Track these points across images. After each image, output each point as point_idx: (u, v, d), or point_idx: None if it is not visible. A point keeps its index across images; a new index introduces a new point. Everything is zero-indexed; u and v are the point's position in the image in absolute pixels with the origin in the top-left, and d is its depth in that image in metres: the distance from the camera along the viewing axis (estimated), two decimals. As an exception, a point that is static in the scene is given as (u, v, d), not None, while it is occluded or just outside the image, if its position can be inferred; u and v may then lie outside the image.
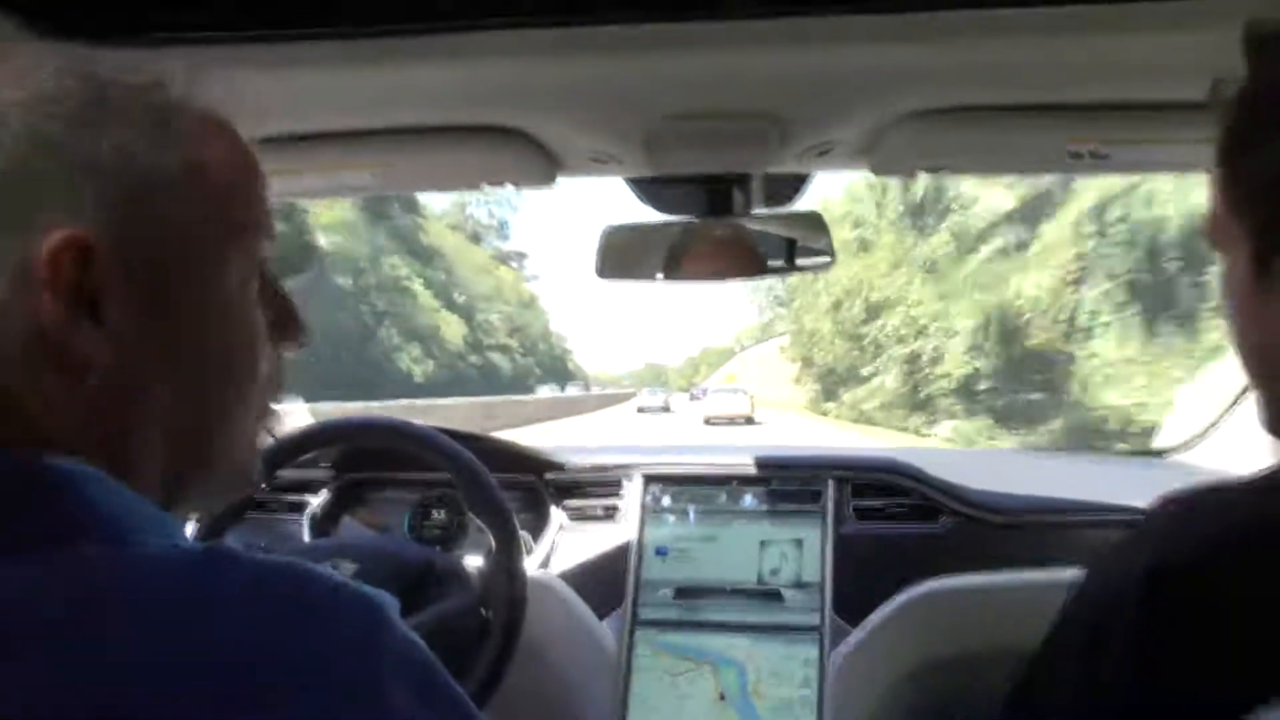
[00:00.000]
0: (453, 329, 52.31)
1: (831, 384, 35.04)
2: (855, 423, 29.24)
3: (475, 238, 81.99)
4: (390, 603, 0.51)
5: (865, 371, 29.81)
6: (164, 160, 0.53)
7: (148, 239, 0.52)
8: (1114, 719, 0.58)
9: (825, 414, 34.73)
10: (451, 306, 55.13)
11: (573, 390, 64.23)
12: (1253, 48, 0.62)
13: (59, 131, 0.50)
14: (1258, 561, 0.54)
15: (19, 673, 0.42)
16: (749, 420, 31.92)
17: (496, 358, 64.10)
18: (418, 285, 48.36)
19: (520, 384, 61.05)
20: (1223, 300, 0.67)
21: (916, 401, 25.39)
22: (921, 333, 25.59)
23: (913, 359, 25.74)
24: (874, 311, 29.11)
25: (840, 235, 28.66)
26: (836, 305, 32.74)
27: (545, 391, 51.35)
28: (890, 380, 27.20)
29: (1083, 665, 0.61)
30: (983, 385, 21.90)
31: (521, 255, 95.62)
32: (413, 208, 52.04)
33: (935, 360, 24.16)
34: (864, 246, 30.77)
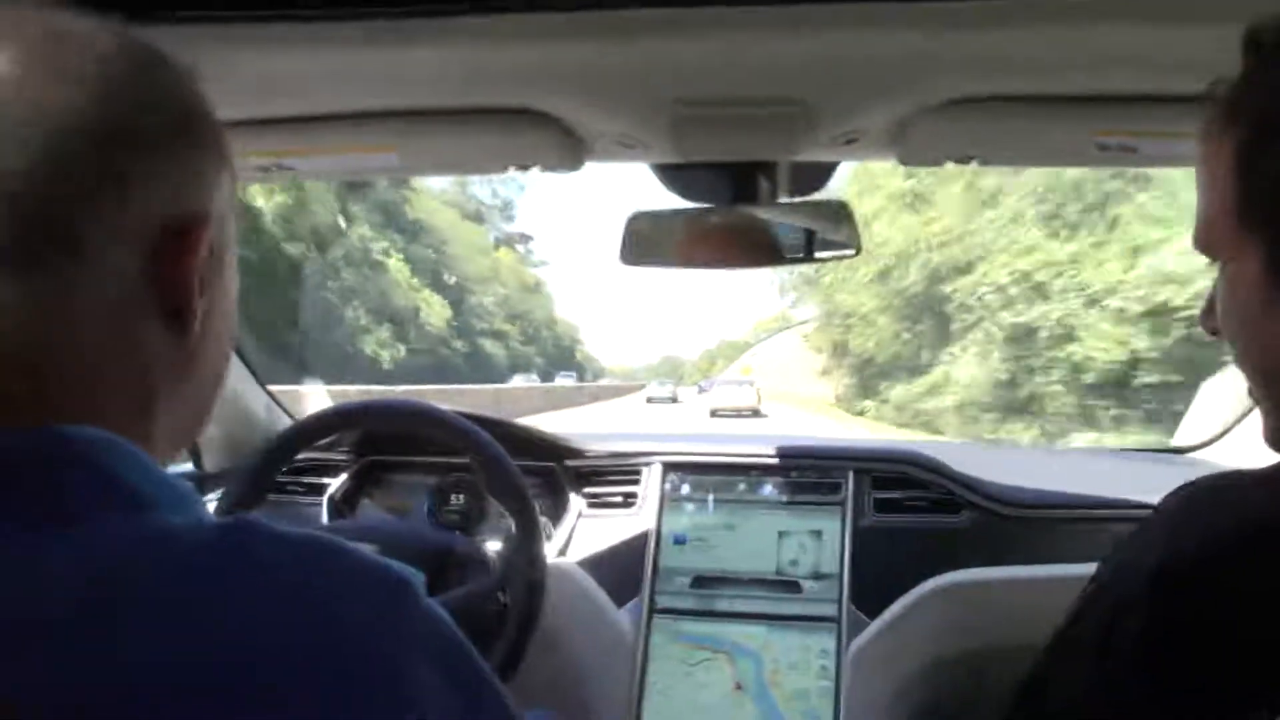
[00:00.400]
0: (436, 311, 48.73)
1: (871, 376, 28.34)
2: (904, 427, 21.54)
3: (477, 217, 77.76)
4: (417, 578, 0.51)
5: (924, 358, 23.20)
6: (222, 148, 0.57)
7: (221, 213, 0.56)
8: (1124, 717, 0.58)
9: (861, 413, 28.23)
10: (439, 287, 52.07)
11: (564, 380, 57.56)
12: (1253, 49, 0.61)
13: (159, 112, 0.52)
14: (1264, 560, 0.54)
15: (43, 651, 0.42)
16: (755, 413, 31.43)
17: (488, 344, 61.09)
18: (396, 261, 44.10)
19: (514, 373, 56.51)
20: (1224, 310, 0.65)
21: (1014, 400, 17.80)
22: (1038, 296, 17.29)
23: (1021, 336, 17.67)
24: (938, 277, 22.14)
25: (891, 186, 25.44)
26: (884, 274, 25.55)
27: (520, 381, 46.56)
28: (970, 368, 19.69)
29: (1094, 663, 0.61)
30: (1146, 377, 13.61)
31: (527, 238, 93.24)
32: (402, 180, 42.32)
33: (1061, 338, 16.05)
34: (921, 199, 24.69)
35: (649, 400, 45.77)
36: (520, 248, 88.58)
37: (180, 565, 0.45)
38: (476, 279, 63.50)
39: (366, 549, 1.30)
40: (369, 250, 41.83)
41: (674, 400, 45.41)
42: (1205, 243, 0.65)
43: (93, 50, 0.50)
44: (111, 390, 0.51)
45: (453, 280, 56.65)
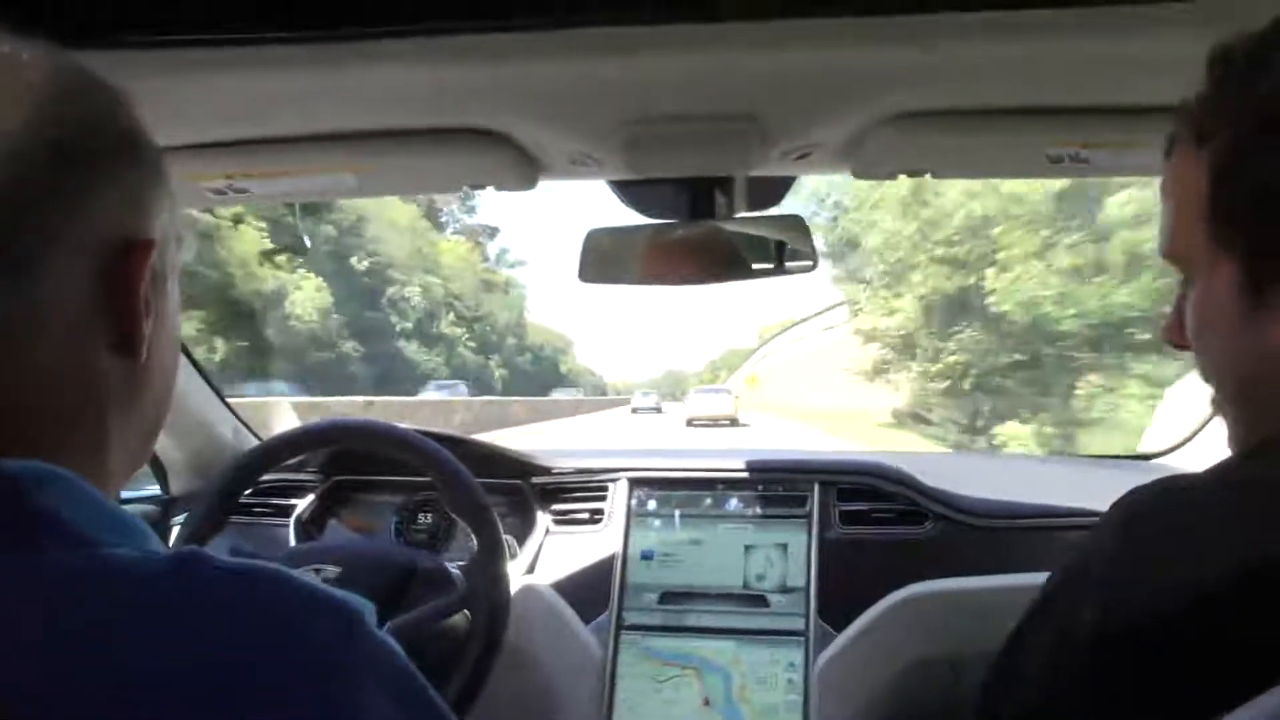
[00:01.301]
0: (309, 298, 38.63)
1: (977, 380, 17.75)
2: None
3: (432, 212, 66.64)
4: (367, 608, 0.51)
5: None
6: (161, 173, 0.57)
7: (165, 236, 0.56)
8: None
9: (960, 445, 17.35)
10: (335, 272, 42.75)
11: (562, 394, 54.14)
12: (1221, 63, 0.61)
13: (95, 136, 0.52)
14: (1216, 613, 0.53)
15: None
16: (733, 422, 30.30)
17: (410, 348, 49.74)
18: (249, 229, 30.54)
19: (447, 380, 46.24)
20: (1196, 323, 0.65)
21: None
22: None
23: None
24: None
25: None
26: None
27: (434, 393, 36.68)
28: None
29: (1041, 691, 0.61)
30: None
31: (492, 230, 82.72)
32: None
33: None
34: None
35: (634, 410, 47.13)
36: (485, 241, 79.22)
37: (125, 598, 0.45)
38: (400, 264, 52.39)
39: (330, 570, 1.29)
40: (192, 218, 34.04)
41: (658, 410, 46.52)
42: (1175, 255, 0.66)
43: (32, 73, 0.50)
44: (64, 420, 0.51)
45: (364, 263, 48.22)
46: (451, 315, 58.45)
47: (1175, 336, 0.69)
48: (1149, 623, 0.54)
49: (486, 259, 79.13)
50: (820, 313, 48.15)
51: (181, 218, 0.62)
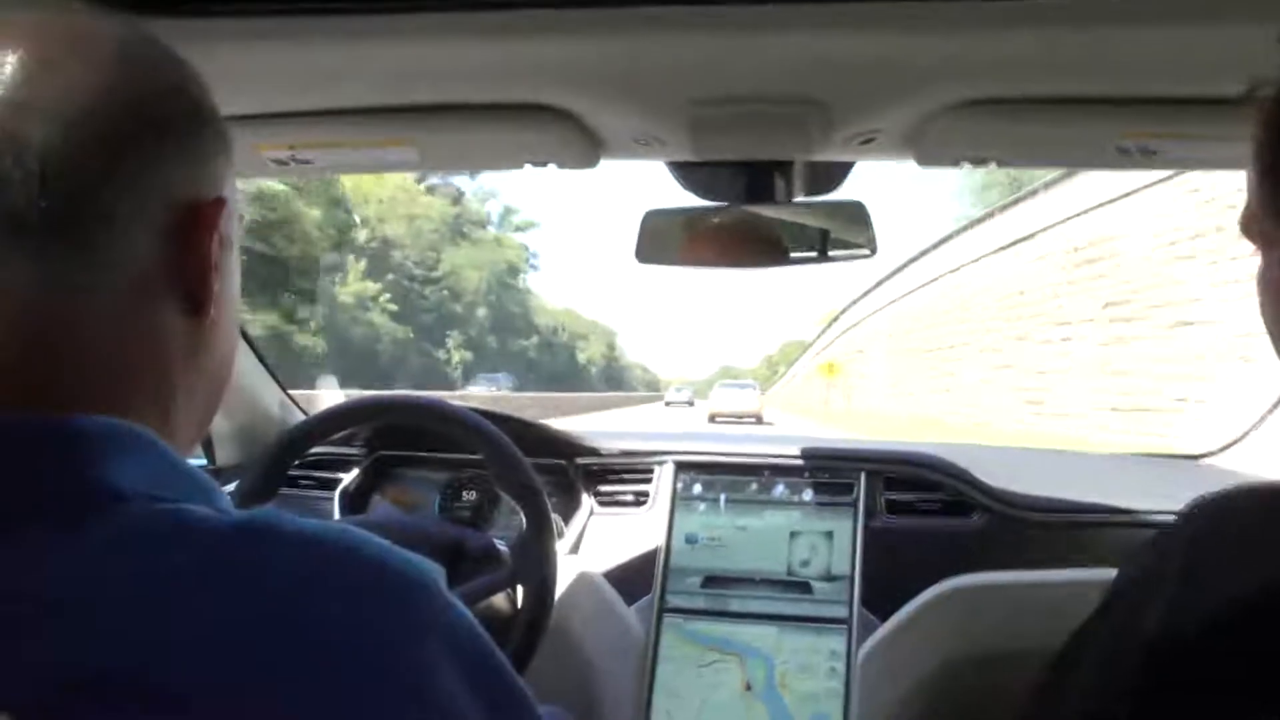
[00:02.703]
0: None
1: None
2: None
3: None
4: (438, 572, 0.51)
5: None
6: (228, 141, 0.58)
7: (229, 204, 0.57)
8: None
9: None
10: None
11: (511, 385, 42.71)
12: None
13: (170, 102, 0.53)
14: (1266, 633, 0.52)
15: (47, 640, 0.42)
16: (758, 419, 29.33)
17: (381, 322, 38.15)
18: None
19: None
20: (1261, 297, 0.65)
21: None
22: None
23: None
24: None
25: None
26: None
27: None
28: None
29: (1095, 695, 0.60)
30: None
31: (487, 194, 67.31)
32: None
33: None
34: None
35: (667, 404, 49.42)
36: (446, 197, 60.89)
37: (201, 556, 0.45)
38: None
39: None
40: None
41: (690, 404, 47.53)
42: (1246, 232, 0.66)
43: (112, 42, 0.52)
44: (133, 378, 0.51)
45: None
46: (364, 263, 40.03)
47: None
48: (1209, 634, 0.53)
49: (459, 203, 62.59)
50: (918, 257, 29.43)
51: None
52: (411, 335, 46.64)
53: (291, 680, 0.43)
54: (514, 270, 68.85)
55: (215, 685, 0.42)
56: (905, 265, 30.89)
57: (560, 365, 75.46)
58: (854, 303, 41.61)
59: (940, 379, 25.56)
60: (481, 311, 60.65)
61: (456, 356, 54.26)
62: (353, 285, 35.85)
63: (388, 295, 41.80)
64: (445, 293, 55.43)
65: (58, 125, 0.48)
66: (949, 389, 24.35)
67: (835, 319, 48.49)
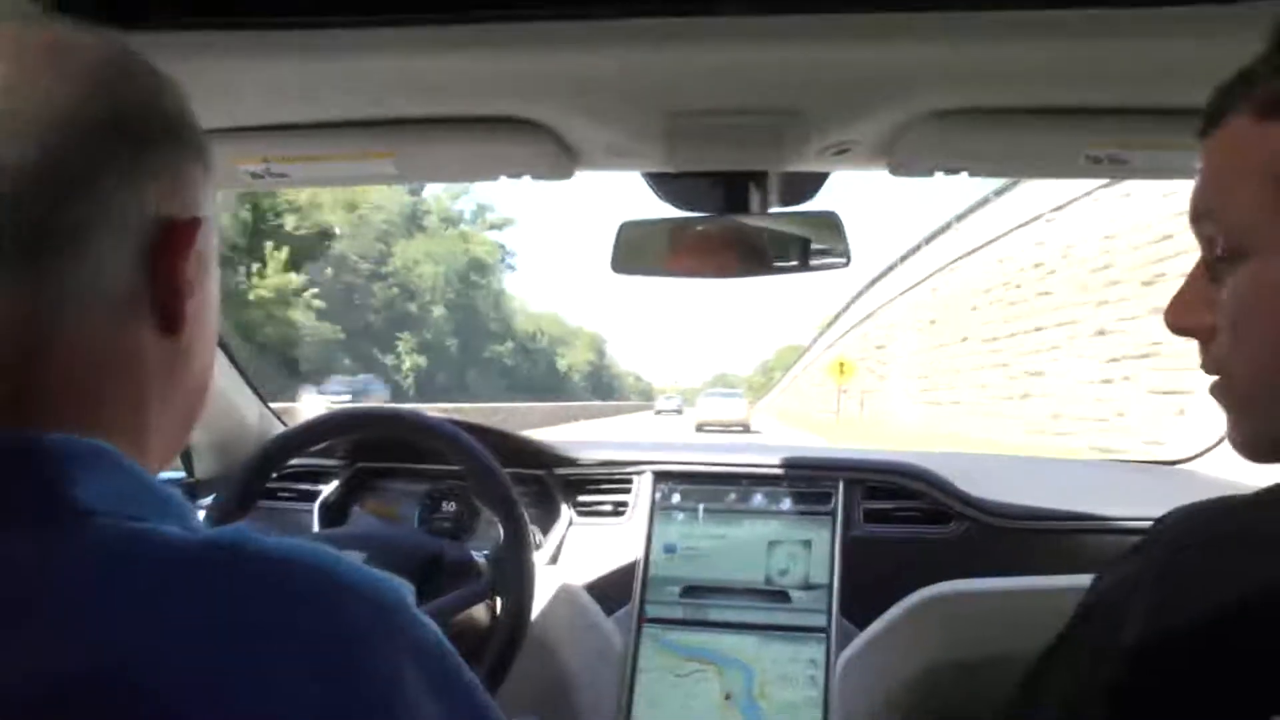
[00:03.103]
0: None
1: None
2: None
3: None
4: (406, 589, 0.51)
5: None
6: (207, 156, 0.58)
7: (207, 221, 0.56)
8: None
9: None
10: None
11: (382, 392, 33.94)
12: None
13: (153, 116, 0.53)
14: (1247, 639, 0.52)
15: (7, 649, 0.41)
16: (745, 428, 29.18)
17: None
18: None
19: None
20: (1244, 307, 0.62)
21: None
22: None
23: None
24: None
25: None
26: None
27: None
28: None
29: (1073, 704, 0.60)
30: None
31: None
32: None
33: None
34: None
35: (657, 412, 51.25)
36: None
37: (168, 573, 0.45)
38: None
39: (355, 556, 1.30)
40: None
41: (679, 413, 49.29)
42: (1235, 240, 0.62)
43: (89, 55, 0.52)
44: (105, 395, 0.51)
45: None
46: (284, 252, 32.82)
47: (1182, 319, 0.66)
48: (1191, 641, 0.53)
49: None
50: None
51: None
52: (342, 336, 42.42)
53: (254, 694, 0.43)
54: (482, 268, 63.22)
55: (173, 696, 0.41)
56: (937, 234, 24.59)
57: (539, 372, 71.30)
58: (861, 294, 35.69)
59: (986, 374, 19.56)
60: (438, 311, 55.54)
61: (409, 362, 50.38)
62: (272, 279, 30.52)
63: (315, 290, 36.05)
64: (396, 290, 51.05)
65: (31, 143, 0.47)
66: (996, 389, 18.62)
67: (834, 321, 44.09)
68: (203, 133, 0.57)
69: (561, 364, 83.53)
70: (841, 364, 29.17)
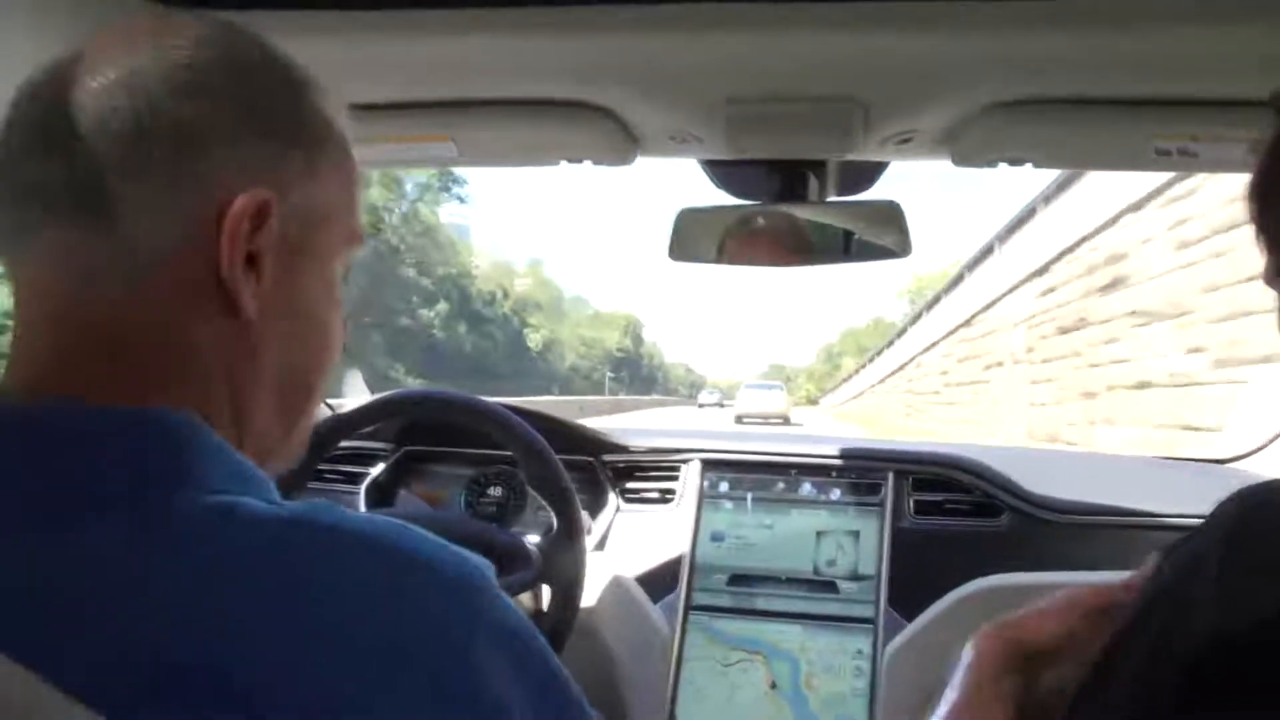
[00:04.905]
0: None
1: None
2: None
3: None
4: (487, 566, 0.51)
5: None
6: (305, 140, 0.56)
7: (302, 209, 0.55)
8: None
9: None
10: None
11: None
12: None
13: (232, 98, 0.52)
14: None
15: (103, 627, 0.42)
16: (785, 420, 29.16)
17: None
18: None
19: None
20: None
21: None
22: None
23: None
24: None
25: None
26: None
27: None
28: None
29: (1135, 700, 0.60)
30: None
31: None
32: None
33: None
34: None
35: (700, 406, 53.41)
36: None
37: (251, 545, 0.46)
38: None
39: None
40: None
41: (721, 406, 50.45)
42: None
43: (175, 29, 0.53)
44: (182, 368, 0.51)
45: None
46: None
47: None
48: (1255, 635, 0.53)
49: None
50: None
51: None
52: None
53: (338, 672, 0.43)
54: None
55: (262, 675, 0.42)
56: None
57: (501, 352, 54.68)
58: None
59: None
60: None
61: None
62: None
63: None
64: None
65: (126, 110, 0.48)
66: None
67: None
68: (305, 115, 0.56)
69: (534, 338, 65.70)
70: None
